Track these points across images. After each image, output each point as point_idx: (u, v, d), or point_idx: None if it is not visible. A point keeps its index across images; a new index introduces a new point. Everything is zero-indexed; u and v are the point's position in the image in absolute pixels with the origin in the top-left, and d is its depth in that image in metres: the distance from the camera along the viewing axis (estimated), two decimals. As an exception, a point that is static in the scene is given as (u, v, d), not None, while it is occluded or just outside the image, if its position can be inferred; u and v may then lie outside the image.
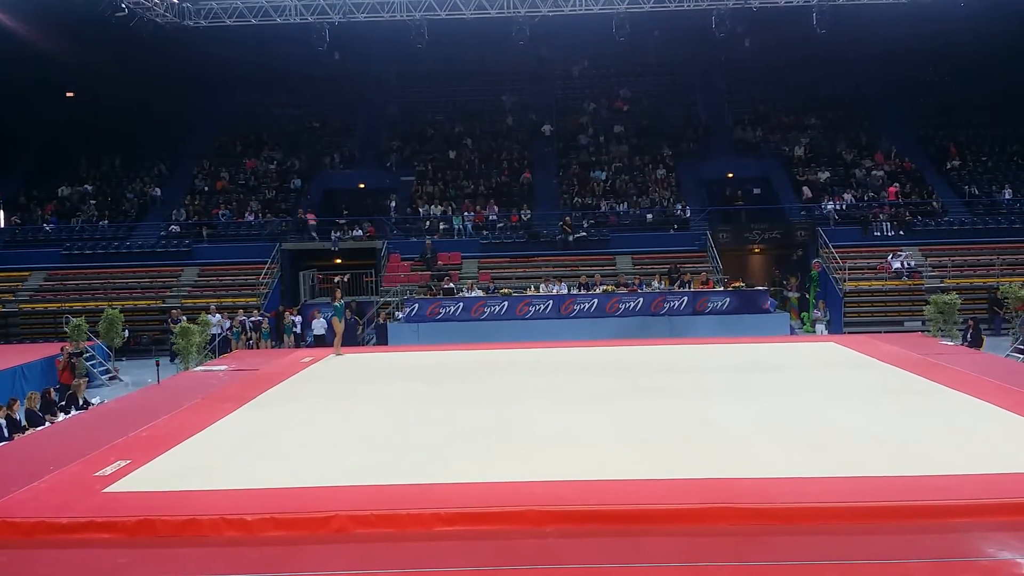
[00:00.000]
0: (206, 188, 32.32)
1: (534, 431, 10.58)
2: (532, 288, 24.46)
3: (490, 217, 30.05)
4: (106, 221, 30.53)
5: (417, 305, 23.42)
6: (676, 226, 29.35)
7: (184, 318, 21.83)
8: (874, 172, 31.29)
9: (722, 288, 24.03)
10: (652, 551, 6.87)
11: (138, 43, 26.87)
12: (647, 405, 11.91)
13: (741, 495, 7.75)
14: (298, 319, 24.85)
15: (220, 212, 30.64)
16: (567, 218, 28.98)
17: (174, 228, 30.02)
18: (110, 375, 20.87)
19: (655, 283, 24.43)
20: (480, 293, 24.29)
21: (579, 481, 8.29)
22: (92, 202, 31.44)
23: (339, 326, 18.63)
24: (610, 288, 23.96)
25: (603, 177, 32.08)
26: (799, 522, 7.36)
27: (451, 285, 25.00)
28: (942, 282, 25.49)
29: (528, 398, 12.79)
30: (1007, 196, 29.93)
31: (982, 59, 33.36)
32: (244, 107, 36.31)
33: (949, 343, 18.22)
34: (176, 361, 20.08)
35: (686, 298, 23.03)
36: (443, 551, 7.02)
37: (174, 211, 30.79)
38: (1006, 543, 6.72)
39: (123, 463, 9.36)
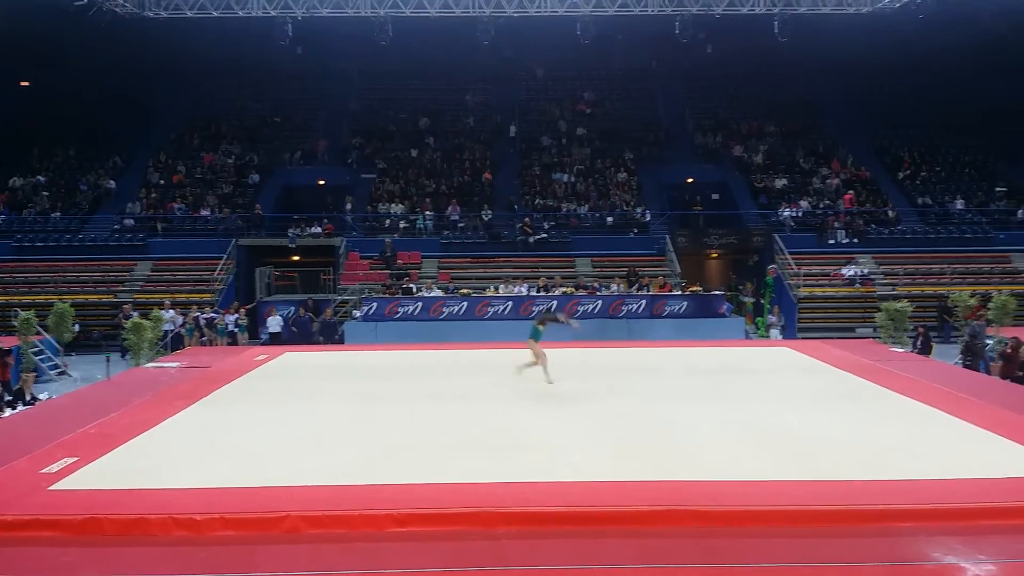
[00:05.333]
0: (162, 181, 31.83)
1: (490, 432, 10.57)
2: (492, 289, 24.45)
3: (452, 217, 29.99)
4: (58, 213, 29.93)
5: (375, 304, 23.29)
6: (636, 230, 29.53)
7: (136, 313, 21.46)
8: (829, 180, 31.78)
9: (680, 292, 24.22)
10: (606, 553, 6.89)
11: (96, 33, 26.32)
12: (604, 407, 11.97)
13: (695, 498, 7.81)
14: (232, 318, 23.84)
15: (176, 206, 30.18)
16: (527, 219, 29.03)
17: (128, 221, 29.51)
18: (59, 370, 20.45)
19: (614, 286, 24.55)
20: (439, 293, 24.23)
21: (533, 482, 8.30)
22: (45, 193, 30.79)
23: None
24: (569, 290, 24.04)
25: (565, 179, 32.19)
26: (753, 524, 7.45)
27: (410, 284, 24.89)
28: (894, 290, 25.94)
29: (485, 399, 12.78)
30: (959, 206, 30.59)
31: (939, 72, 34.03)
32: (203, 100, 35.84)
33: (899, 350, 18.56)
34: (127, 357, 19.74)
35: (644, 301, 23.18)
36: (395, 552, 6.99)
37: (128, 204, 30.27)
38: (952, 547, 6.85)
39: (70, 460, 9.19)
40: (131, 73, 33.86)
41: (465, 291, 24.11)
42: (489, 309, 23.09)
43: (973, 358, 18.19)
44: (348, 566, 6.72)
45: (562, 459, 9.24)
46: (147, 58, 32.72)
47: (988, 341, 18.76)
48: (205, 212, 29.97)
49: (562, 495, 7.92)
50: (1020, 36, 29.94)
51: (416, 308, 23.16)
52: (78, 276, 27.10)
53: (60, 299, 22.78)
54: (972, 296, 21.58)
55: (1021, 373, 16.67)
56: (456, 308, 23.13)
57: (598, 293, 23.90)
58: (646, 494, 7.93)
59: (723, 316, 23.30)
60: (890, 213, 30.20)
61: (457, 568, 6.64)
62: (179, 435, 10.70)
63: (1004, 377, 16.42)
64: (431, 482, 8.35)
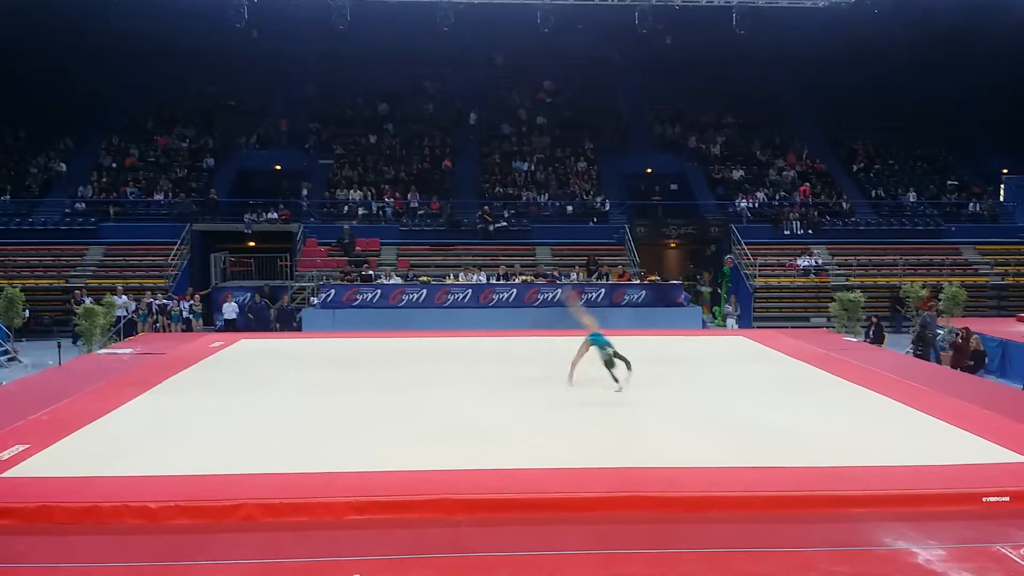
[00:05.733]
0: (114, 165, 31.22)
1: (450, 419, 10.56)
2: (451, 277, 24.40)
3: (411, 204, 29.83)
4: (8, 196, 29.23)
5: (333, 291, 23.11)
6: (595, 219, 29.65)
7: (88, 299, 21.08)
8: (785, 172, 32.18)
9: (638, 281, 24.39)
10: (564, 539, 6.93)
11: (48, 13, 25.75)
12: (562, 394, 12.00)
13: (652, 484, 7.88)
14: (186, 304, 23.45)
15: (128, 190, 29.64)
16: (486, 207, 28.99)
17: (79, 205, 28.93)
18: (9, 356, 19.98)
19: (573, 275, 24.65)
20: (398, 280, 24.11)
21: (493, 470, 8.31)
22: (-8, 176, 30.10)
23: None
24: (529, 279, 24.08)
25: (525, 168, 32.18)
26: (707, 511, 7.54)
27: (369, 272, 24.73)
28: (847, 280, 26.39)
29: (444, 386, 12.76)
30: (911, 199, 31.18)
31: (893, 66, 34.62)
32: (157, 83, 35.10)
33: (852, 339, 18.88)
34: (79, 343, 19.39)
35: (603, 290, 23.29)
36: (354, 540, 6.95)
37: (80, 188, 29.67)
38: (901, 533, 6.99)
39: (21, 447, 9.00)
40: (84, 54, 33.11)
41: (424, 279, 24.03)
42: (448, 297, 23.05)
43: (924, 347, 18.59)
44: (305, 554, 6.67)
45: (521, 446, 9.27)
46: (100, 39, 32.04)
47: (939, 331, 19.18)
48: (159, 196, 29.48)
49: (521, 482, 7.95)
50: (973, 32, 30.58)
51: (375, 295, 23.02)
52: (28, 260, 26.56)
53: (10, 284, 22.28)
54: (923, 287, 22.03)
55: (971, 362, 17.10)
56: (415, 296, 23.03)
57: (558, 282, 23.98)
58: (603, 481, 7.99)
59: (681, 305, 23.50)
60: (844, 205, 30.70)
61: (417, 555, 6.63)
62: (132, 422, 10.53)
63: (954, 366, 16.83)
64: (390, 469, 8.32)
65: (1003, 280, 27.44)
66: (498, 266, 25.20)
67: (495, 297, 23.13)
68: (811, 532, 7.08)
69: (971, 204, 31.17)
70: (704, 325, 23.88)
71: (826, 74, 36.07)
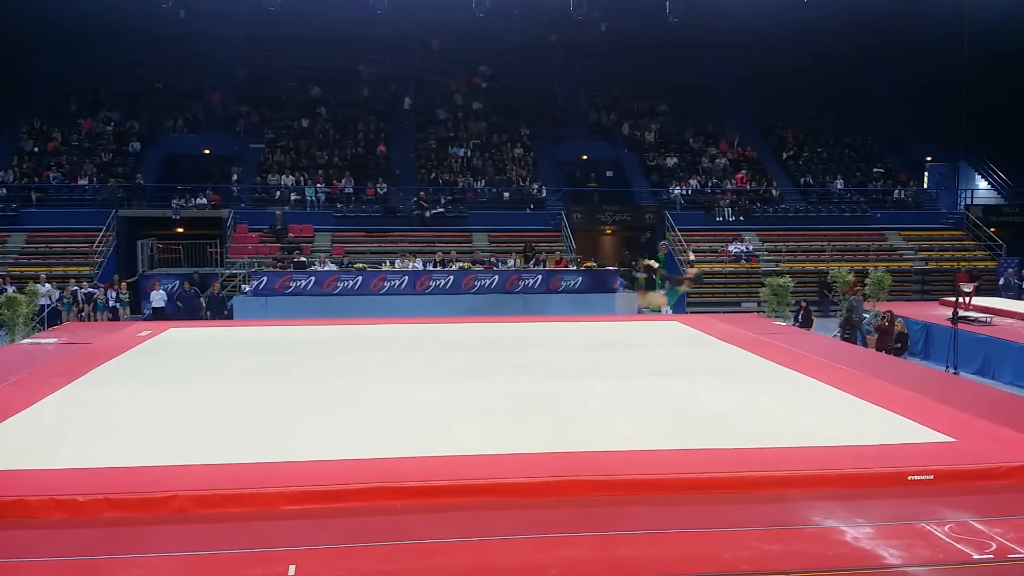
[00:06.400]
0: (36, 149, 30.17)
1: (386, 407, 10.48)
2: (387, 263, 24.22)
3: (346, 190, 29.47)
4: (-79, 181, 28.11)
5: (266, 278, 22.74)
6: (532, 205, 29.71)
7: (10, 287, 20.41)
8: (718, 160, 32.67)
9: (575, 267, 24.54)
10: (503, 524, 6.94)
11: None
12: (500, 381, 12.01)
13: (589, 468, 7.94)
14: (113, 293, 22.90)
15: (51, 175, 28.69)
16: (421, 193, 28.81)
17: (0, 191, 27.90)
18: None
19: (510, 261, 24.69)
20: (333, 267, 23.84)
21: (430, 457, 8.28)
22: (-96, 160, 28.85)
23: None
24: (466, 265, 24.03)
25: (461, 153, 32.05)
26: (642, 493, 7.62)
27: (303, 258, 24.40)
28: (777, 266, 26.94)
29: (381, 374, 12.65)
30: (839, 186, 31.95)
31: (823, 56, 35.36)
32: (81, 64, 33.98)
33: (782, 323, 19.29)
34: (1, 333, 18.78)
35: (540, 276, 23.39)
36: (290, 531, 6.84)
37: (0, 172, 28.59)
38: (831, 512, 7.16)
39: (-63, 442, 8.67)
40: (2, 34, 31.85)
41: (360, 265, 23.80)
42: (384, 284, 22.88)
43: (851, 331, 19.09)
44: (239, 546, 6.55)
45: (458, 433, 9.25)
46: (20, 18, 30.86)
47: (865, 315, 19.69)
48: (83, 181, 28.61)
49: (459, 468, 7.93)
50: (900, 23, 31.43)
51: (309, 282, 22.73)
52: (-55, 248, 25.56)
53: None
54: (850, 272, 22.61)
55: (896, 345, 17.62)
56: (350, 283, 22.80)
57: (495, 268, 23.98)
58: (540, 466, 8.01)
59: (616, 291, 23.75)
60: (774, 192, 31.30)
61: (354, 544, 6.57)
62: (58, 414, 10.21)
63: (879, 349, 17.33)
64: (326, 459, 8.23)
65: (926, 265, 28.34)
66: (435, 253, 25.09)
67: (432, 284, 23.04)
68: (744, 512, 7.21)
69: (896, 191, 32.07)
70: (639, 311, 24.14)
71: (758, 63, 36.66)
